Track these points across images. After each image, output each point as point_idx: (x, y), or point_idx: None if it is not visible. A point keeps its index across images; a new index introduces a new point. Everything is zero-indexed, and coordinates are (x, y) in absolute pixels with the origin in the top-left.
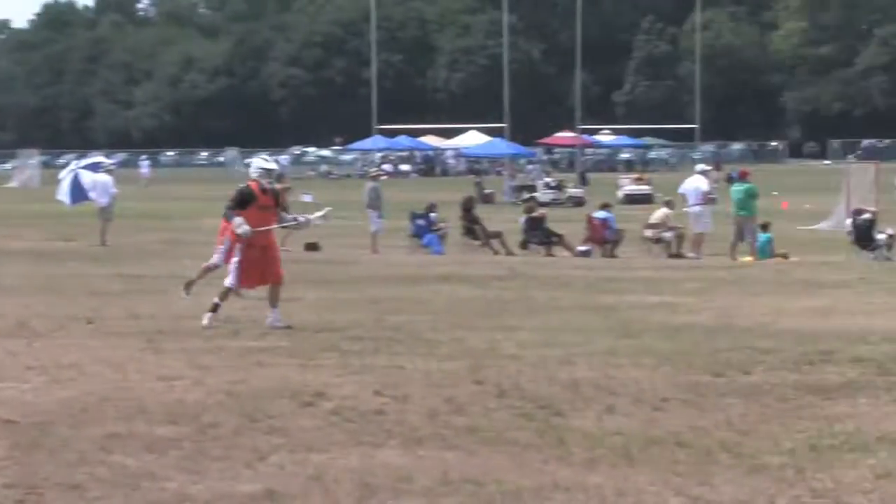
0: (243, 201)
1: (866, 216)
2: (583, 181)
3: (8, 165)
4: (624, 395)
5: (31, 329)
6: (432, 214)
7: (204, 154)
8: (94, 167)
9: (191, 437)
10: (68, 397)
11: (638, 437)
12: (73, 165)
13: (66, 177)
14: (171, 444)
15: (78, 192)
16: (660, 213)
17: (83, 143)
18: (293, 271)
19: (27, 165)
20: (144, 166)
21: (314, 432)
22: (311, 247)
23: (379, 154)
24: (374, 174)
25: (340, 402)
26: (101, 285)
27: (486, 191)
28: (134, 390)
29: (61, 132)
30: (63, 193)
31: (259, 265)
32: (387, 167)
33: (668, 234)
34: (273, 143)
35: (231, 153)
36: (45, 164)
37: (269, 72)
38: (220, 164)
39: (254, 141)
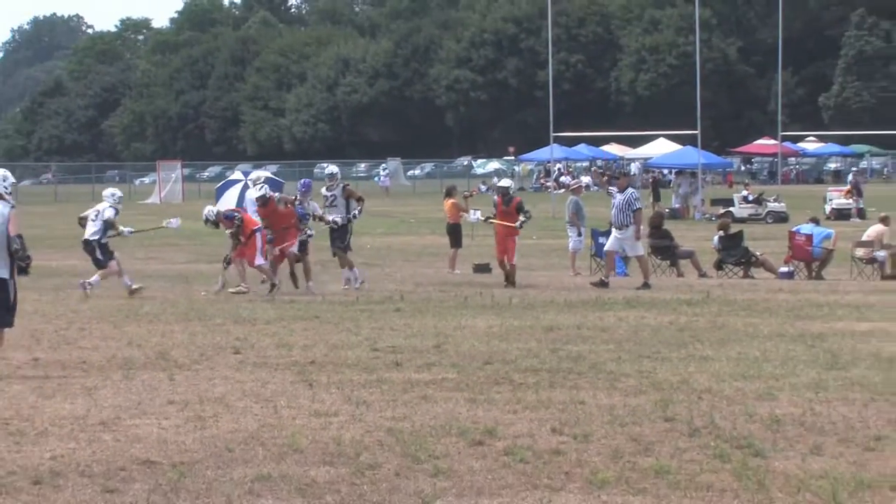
0: None
1: None
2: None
3: (147, 179)
4: (831, 434)
5: (173, 360)
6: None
7: (363, 165)
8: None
9: (348, 480)
10: (213, 435)
11: (847, 480)
12: (239, 175)
13: (233, 186)
14: (327, 488)
15: (241, 203)
16: (873, 231)
17: (229, 155)
18: (460, 295)
19: (168, 179)
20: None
21: (484, 474)
22: (481, 268)
23: (557, 165)
24: (576, 187)
25: (513, 441)
26: (247, 311)
27: (675, 206)
28: (285, 428)
29: (205, 142)
30: (226, 202)
31: None
32: (565, 179)
33: (881, 254)
34: (438, 152)
35: (392, 164)
36: (188, 178)
37: (434, 74)
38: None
39: (417, 151)
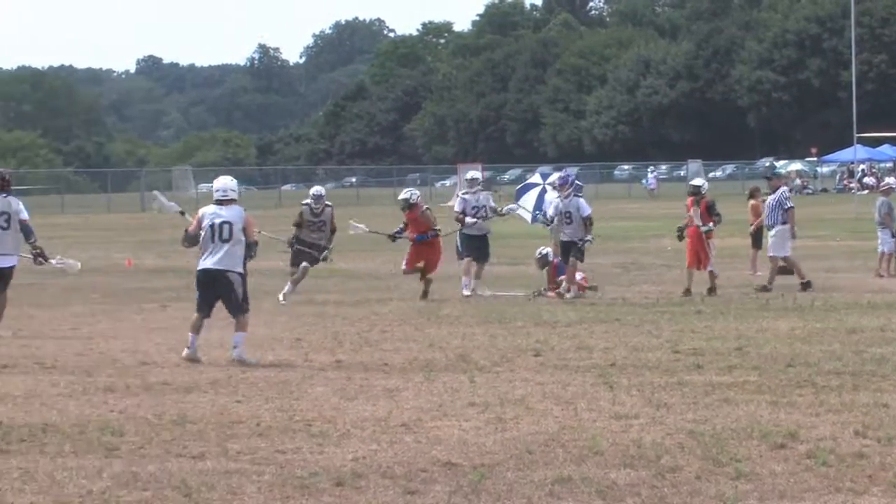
0: None
1: None
2: None
3: (448, 182)
4: None
5: (474, 363)
6: None
7: (663, 167)
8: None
9: (648, 482)
10: (513, 437)
11: None
12: (537, 178)
13: (532, 189)
14: (627, 490)
15: (539, 210)
16: None
17: (529, 157)
18: (761, 297)
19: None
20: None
21: (786, 478)
22: (782, 270)
23: (861, 166)
24: (885, 188)
25: (816, 445)
26: (548, 314)
27: None
28: (586, 430)
29: (506, 145)
30: (525, 210)
31: None
32: (869, 180)
33: None
34: (739, 154)
35: (694, 166)
36: (489, 180)
37: (736, 75)
38: (681, 179)
39: (718, 152)
